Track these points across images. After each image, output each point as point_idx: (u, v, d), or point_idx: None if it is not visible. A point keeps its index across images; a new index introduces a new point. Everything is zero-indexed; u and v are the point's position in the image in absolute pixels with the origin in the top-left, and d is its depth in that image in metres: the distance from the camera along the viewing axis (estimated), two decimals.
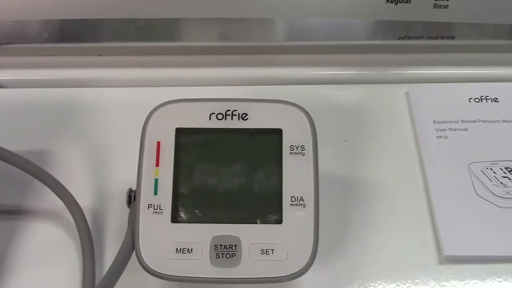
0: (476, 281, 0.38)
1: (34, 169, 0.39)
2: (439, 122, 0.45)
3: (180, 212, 0.34)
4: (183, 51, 0.49)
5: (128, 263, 0.35)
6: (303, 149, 0.35)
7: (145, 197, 0.34)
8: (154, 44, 0.48)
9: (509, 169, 0.42)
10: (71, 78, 0.48)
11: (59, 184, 0.39)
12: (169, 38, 0.48)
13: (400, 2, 0.45)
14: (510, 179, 0.41)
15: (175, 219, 0.34)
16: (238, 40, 0.48)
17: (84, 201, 0.40)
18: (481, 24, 0.47)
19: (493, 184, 0.41)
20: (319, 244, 0.33)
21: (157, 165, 0.34)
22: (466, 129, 0.44)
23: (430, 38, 0.48)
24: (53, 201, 0.39)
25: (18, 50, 0.48)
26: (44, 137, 0.45)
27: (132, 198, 0.35)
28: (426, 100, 0.46)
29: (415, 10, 0.45)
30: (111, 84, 0.48)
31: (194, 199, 0.34)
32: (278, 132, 0.35)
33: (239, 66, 0.48)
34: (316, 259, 0.33)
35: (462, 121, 0.45)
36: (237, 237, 0.33)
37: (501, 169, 0.42)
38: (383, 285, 0.38)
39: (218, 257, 0.33)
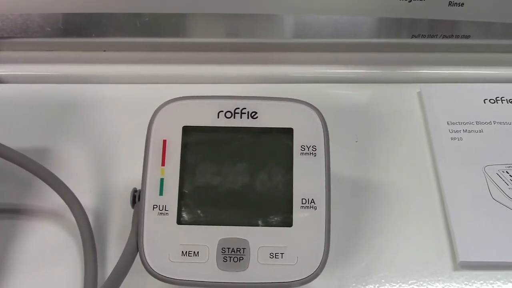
0: None
1: (35, 167, 0.38)
2: (453, 123, 0.44)
3: (186, 214, 0.33)
4: (190, 48, 0.48)
5: (132, 265, 0.34)
6: (314, 149, 0.34)
7: (150, 197, 0.33)
8: (160, 40, 0.48)
9: None
10: (75, 74, 0.48)
11: (61, 183, 0.38)
12: (175, 34, 0.48)
13: (414, 0, 0.44)
14: None
15: (181, 220, 0.33)
16: (247, 36, 0.48)
17: (87, 200, 0.40)
18: (497, 23, 0.46)
19: (509, 188, 0.40)
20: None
21: (163, 164, 0.34)
22: (481, 131, 0.43)
23: (444, 37, 0.47)
24: (55, 200, 0.38)
25: (20, 44, 0.48)
26: (46, 134, 0.44)
27: (136, 198, 0.35)
28: (439, 100, 0.45)
29: (429, 7, 0.45)
30: (116, 80, 0.48)
31: (201, 200, 0.34)
32: (288, 132, 0.34)
33: (247, 63, 0.48)
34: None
35: (477, 122, 0.44)
36: (245, 240, 0.33)
37: None
38: None
39: (225, 260, 0.32)
